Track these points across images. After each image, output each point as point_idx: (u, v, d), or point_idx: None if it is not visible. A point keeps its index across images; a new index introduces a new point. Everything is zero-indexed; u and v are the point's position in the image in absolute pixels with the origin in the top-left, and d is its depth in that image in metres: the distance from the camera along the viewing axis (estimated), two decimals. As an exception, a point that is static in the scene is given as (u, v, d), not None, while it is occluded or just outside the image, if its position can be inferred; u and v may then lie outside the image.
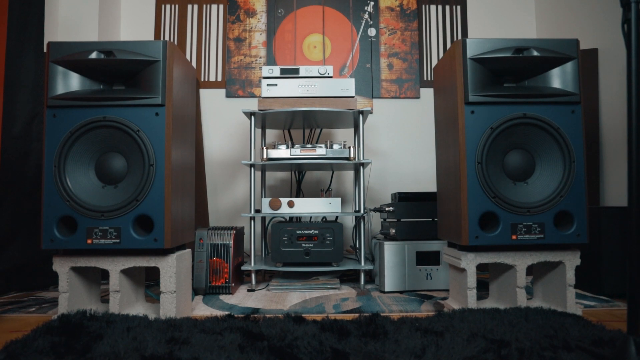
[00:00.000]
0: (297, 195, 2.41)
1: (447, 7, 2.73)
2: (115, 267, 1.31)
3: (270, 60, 2.67)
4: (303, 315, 1.26)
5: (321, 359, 0.94)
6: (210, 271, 1.79)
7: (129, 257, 1.32)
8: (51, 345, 1.00)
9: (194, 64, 2.67)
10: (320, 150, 1.97)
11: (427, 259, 1.86)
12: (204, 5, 2.70)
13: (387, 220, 2.04)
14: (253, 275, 1.94)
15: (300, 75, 2.03)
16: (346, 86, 2.00)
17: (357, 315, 1.29)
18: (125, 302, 1.36)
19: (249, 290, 1.87)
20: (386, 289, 1.82)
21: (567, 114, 1.34)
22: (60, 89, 1.32)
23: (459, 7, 2.73)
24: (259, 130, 2.49)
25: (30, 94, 1.96)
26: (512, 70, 1.38)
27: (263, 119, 2.11)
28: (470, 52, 1.33)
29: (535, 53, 1.33)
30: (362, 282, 1.92)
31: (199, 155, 2.49)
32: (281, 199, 1.97)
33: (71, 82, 1.34)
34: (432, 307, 1.55)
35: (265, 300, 1.68)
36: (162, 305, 1.32)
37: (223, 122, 2.65)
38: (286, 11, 2.69)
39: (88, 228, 1.28)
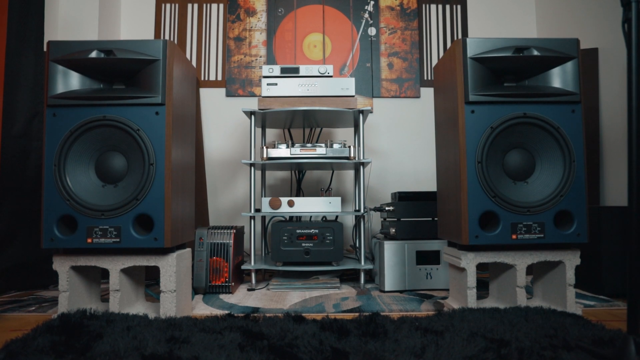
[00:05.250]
0: (297, 195, 2.41)
1: (448, 7, 2.73)
2: (115, 266, 1.31)
3: (271, 60, 2.66)
4: (303, 314, 1.26)
5: (321, 358, 0.94)
6: (210, 270, 1.80)
7: (129, 256, 1.32)
8: (51, 344, 1.00)
9: (194, 63, 2.67)
10: (320, 150, 1.97)
11: (427, 258, 1.86)
12: (204, 5, 2.70)
13: (387, 219, 2.04)
14: (253, 275, 1.94)
15: (301, 74, 2.03)
16: (346, 85, 2.00)
17: (357, 314, 1.29)
18: (125, 301, 1.36)
19: (249, 290, 1.88)
20: (386, 289, 1.82)
21: (567, 113, 1.34)
22: (60, 88, 1.32)
23: (459, 7, 2.73)
24: (259, 130, 2.49)
25: (30, 93, 1.96)
26: (512, 70, 1.38)
27: (263, 118, 2.11)
28: (471, 52, 1.33)
29: (535, 52, 1.32)
30: (362, 281, 1.92)
31: (199, 154, 2.49)
32: (281, 198, 1.97)
33: (71, 81, 1.33)
34: (432, 307, 1.55)
35: (265, 300, 1.68)
36: (162, 305, 1.32)
37: (223, 121, 2.65)
38: (286, 10, 2.69)
39: (88, 227, 1.28)
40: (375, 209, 2.08)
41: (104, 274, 1.76)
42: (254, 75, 2.66)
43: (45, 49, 1.51)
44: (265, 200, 1.97)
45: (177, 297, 1.33)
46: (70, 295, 1.32)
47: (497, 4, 2.76)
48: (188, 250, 1.46)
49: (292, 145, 1.97)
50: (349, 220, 2.58)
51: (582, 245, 1.39)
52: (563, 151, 1.33)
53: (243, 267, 1.92)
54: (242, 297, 1.73)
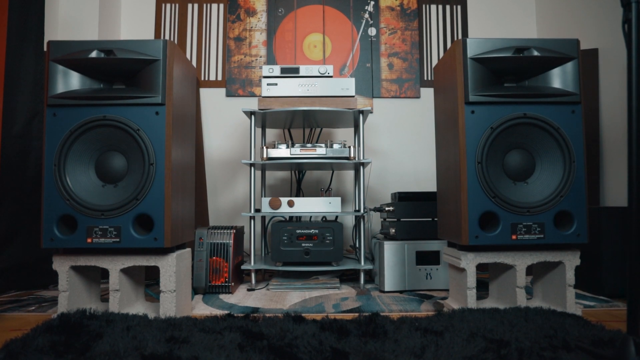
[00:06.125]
0: (297, 195, 2.41)
1: (448, 7, 2.73)
2: (115, 266, 1.31)
3: (271, 60, 2.66)
4: (303, 314, 1.26)
5: (321, 358, 0.94)
6: (210, 270, 1.80)
7: (129, 256, 1.32)
8: (51, 344, 1.00)
9: (194, 63, 2.67)
10: (320, 150, 1.97)
11: (427, 258, 1.86)
12: (204, 5, 2.70)
13: (387, 219, 2.04)
14: (253, 275, 1.94)
15: (301, 74, 2.03)
16: (346, 86, 2.00)
17: (356, 314, 1.29)
18: (125, 301, 1.36)
19: (248, 290, 1.88)
20: (386, 289, 1.82)
21: (567, 113, 1.34)
22: (60, 88, 1.32)
23: (459, 7, 2.73)
24: (259, 130, 2.49)
25: (30, 92, 1.96)
26: (512, 70, 1.38)
27: (263, 119, 2.11)
28: (471, 52, 1.33)
29: (535, 53, 1.32)
30: (362, 281, 1.92)
31: (199, 154, 2.49)
32: (281, 199, 1.97)
33: (71, 81, 1.34)
34: (431, 307, 1.55)
35: (265, 300, 1.68)
36: (162, 305, 1.32)
37: (223, 121, 2.65)
38: (286, 10, 2.69)
39: (88, 227, 1.28)
40: (375, 209, 2.08)
41: (104, 273, 1.77)
42: (254, 75, 2.66)
43: (45, 49, 1.51)
44: (265, 200, 1.97)
45: (177, 297, 1.33)
46: (70, 295, 1.32)
47: (497, 4, 2.76)
48: (188, 250, 1.46)
49: (292, 146, 1.97)
50: (349, 221, 2.58)
51: (582, 245, 1.39)
52: (563, 151, 1.33)
53: (243, 267, 1.92)
54: (242, 297, 1.73)
